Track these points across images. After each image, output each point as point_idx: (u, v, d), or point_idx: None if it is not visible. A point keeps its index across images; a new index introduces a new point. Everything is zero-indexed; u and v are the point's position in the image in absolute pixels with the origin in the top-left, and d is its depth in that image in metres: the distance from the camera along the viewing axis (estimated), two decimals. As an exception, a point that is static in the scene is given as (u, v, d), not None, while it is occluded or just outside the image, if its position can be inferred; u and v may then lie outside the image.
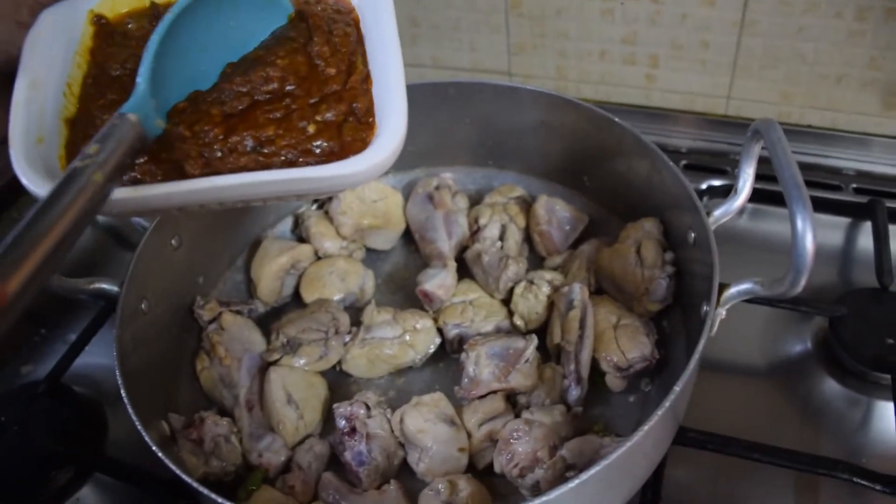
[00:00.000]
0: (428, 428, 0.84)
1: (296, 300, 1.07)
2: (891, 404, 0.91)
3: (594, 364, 0.90)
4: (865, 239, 1.10)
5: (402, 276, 1.11)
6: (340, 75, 0.70)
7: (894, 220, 1.10)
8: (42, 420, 0.99)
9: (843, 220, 1.15)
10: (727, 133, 1.28)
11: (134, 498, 0.92)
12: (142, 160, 0.65)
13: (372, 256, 1.12)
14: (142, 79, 0.64)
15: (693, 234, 0.88)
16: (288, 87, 0.69)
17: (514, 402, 0.90)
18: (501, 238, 1.05)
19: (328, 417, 0.92)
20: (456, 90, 1.07)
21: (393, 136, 0.64)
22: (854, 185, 1.18)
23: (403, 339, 0.96)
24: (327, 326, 0.96)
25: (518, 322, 0.97)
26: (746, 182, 0.84)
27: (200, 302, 1.01)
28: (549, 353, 0.94)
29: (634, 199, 1.01)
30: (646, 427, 0.68)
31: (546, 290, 0.96)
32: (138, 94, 0.63)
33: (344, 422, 0.85)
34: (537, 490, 0.79)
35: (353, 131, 0.67)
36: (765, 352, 0.99)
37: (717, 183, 1.20)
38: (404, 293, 1.07)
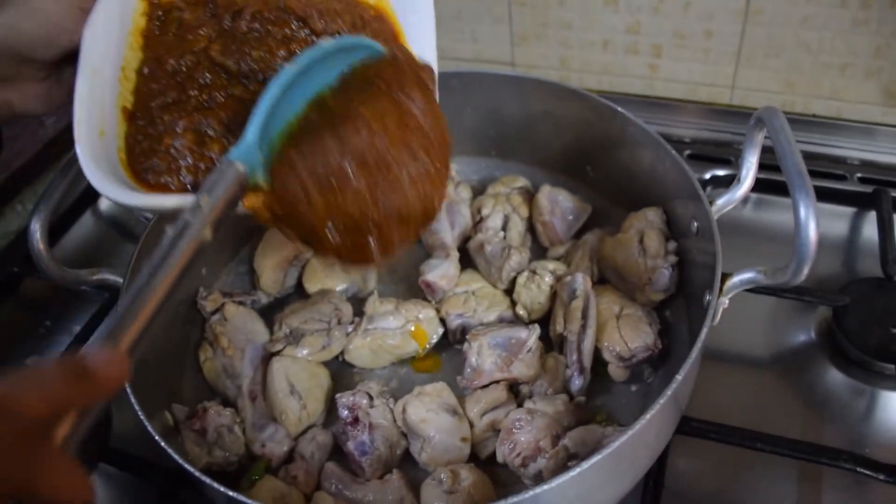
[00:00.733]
0: (430, 418, 0.84)
1: (299, 291, 1.07)
2: (894, 394, 0.91)
3: (597, 354, 0.90)
4: (870, 228, 1.09)
5: (404, 266, 1.10)
6: None
7: (899, 210, 1.09)
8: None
9: (848, 210, 1.14)
10: (731, 123, 1.27)
11: (138, 488, 0.92)
12: None
13: (375, 248, 1.12)
14: (252, 132, 0.63)
15: (696, 224, 0.88)
16: None
17: (516, 392, 0.90)
18: (504, 228, 1.05)
19: (331, 408, 0.92)
20: (458, 80, 1.07)
21: None
22: (859, 175, 1.18)
23: (406, 329, 0.96)
24: (330, 317, 0.96)
25: (521, 312, 0.97)
26: (749, 171, 0.83)
27: (204, 293, 1.01)
28: (551, 343, 0.94)
29: (637, 189, 1.01)
30: (648, 416, 0.68)
31: (549, 280, 0.96)
32: (247, 145, 0.62)
33: (346, 412, 0.85)
34: (539, 479, 0.79)
35: None
36: (768, 342, 0.99)
37: (721, 173, 1.19)
38: (407, 284, 1.07)
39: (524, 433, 0.81)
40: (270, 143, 0.65)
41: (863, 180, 1.17)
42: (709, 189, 1.19)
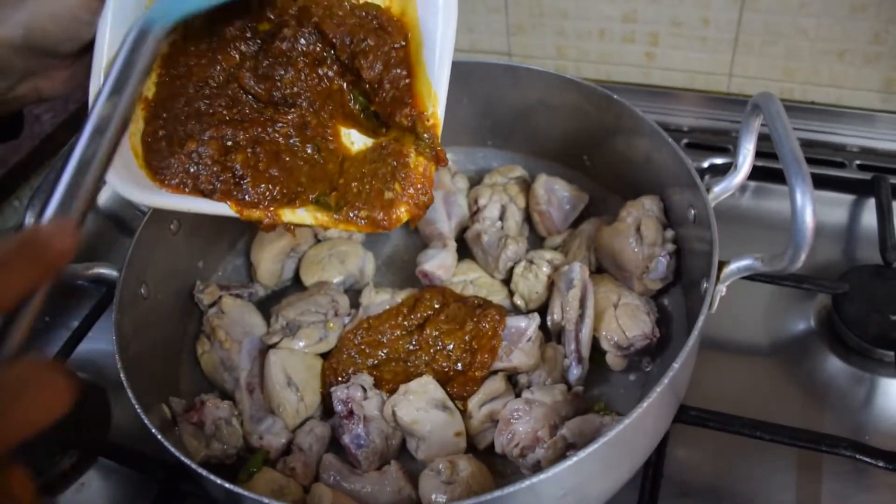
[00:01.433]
0: (421, 417, 0.83)
1: (296, 283, 1.07)
2: (894, 381, 0.90)
3: (595, 343, 0.89)
4: (869, 215, 1.09)
5: (402, 257, 1.11)
6: None
7: (898, 197, 1.09)
8: (45, 406, 0.99)
9: (847, 197, 1.14)
10: (729, 111, 1.27)
11: (137, 482, 0.92)
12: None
13: (371, 238, 1.12)
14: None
15: (693, 212, 0.88)
16: None
17: (514, 383, 0.90)
18: (501, 218, 1.05)
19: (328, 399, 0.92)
20: (455, 71, 1.05)
21: None
22: (858, 162, 1.17)
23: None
24: (326, 309, 0.96)
25: (518, 302, 0.97)
26: (746, 158, 0.83)
27: (200, 286, 1.01)
28: (548, 333, 0.94)
29: (634, 178, 1.00)
30: (645, 404, 0.67)
31: (546, 269, 0.96)
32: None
33: (341, 405, 0.85)
34: (538, 469, 0.78)
35: None
36: (768, 330, 0.98)
37: (718, 161, 1.19)
38: (404, 274, 1.07)
39: (522, 423, 0.80)
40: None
41: (862, 167, 1.17)
42: (706, 177, 1.18)
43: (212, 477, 0.69)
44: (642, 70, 1.30)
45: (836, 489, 0.82)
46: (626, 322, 0.88)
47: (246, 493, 0.67)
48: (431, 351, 0.89)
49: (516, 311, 0.98)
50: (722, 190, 0.84)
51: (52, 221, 0.51)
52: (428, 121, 0.71)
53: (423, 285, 1.01)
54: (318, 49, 0.73)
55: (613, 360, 0.89)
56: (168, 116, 0.72)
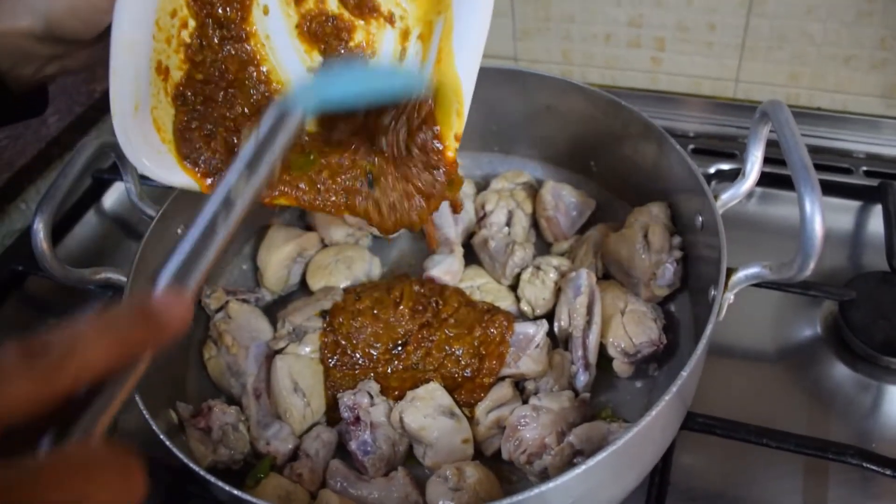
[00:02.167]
0: (428, 424, 0.83)
1: (303, 288, 1.07)
2: (901, 388, 0.90)
3: (602, 349, 0.89)
4: (876, 222, 1.09)
5: (408, 262, 1.10)
6: None
7: (905, 203, 1.08)
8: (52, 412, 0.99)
9: (854, 204, 1.14)
10: (735, 116, 1.27)
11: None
12: None
13: (378, 243, 1.12)
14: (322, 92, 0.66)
15: (701, 218, 0.88)
16: None
17: (521, 389, 0.90)
18: (508, 224, 1.05)
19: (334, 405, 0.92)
20: None
21: None
22: (864, 168, 1.17)
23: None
24: (333, 314, 0.96)
25: (525, 308, 0.97)
26: (754, 165, 0.83)
27: (207, 291, 1.01)
28: (555, 339, 0.94)
29: (641, 184, 1.00)
30: (653, 412, 0.67)
31: (553, 275, 0.96)
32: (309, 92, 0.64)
33: (348, 411, 0.85)
34: (545, 476, 0.79)
35: None
36: (774, 336, 0.98)
37: (725, 167, 1.19)
38: (411, 280, 1.07)
39: (529, 430, 0.80)
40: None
41: (868, 174, 1.16)
42: (713, 183, 1.18)
43: (219, 483, 0.69)
44: (649, 75, 1.30)
45: (843, 497, 0.82)
46: (633, 329, 0.88)
47: (253, 498, 0.67)
48: (440, 356, 0.89)
49: (523, 317, 0.97)
50: (730, 197, 0.84)
51: (168, 292, 0.49)
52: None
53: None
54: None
55: (620, 366, 0.89)
56: (203, 108, 0.74)
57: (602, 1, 1.23)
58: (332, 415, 0.90)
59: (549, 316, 0.95)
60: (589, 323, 0.88)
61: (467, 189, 1.10)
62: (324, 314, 0.95)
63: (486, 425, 0.85)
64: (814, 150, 1.19)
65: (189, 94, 0.75)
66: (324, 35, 0.76)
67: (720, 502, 0.83)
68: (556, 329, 0.93)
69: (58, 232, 1.22)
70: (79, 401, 0.42)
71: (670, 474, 0.83)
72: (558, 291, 0.95)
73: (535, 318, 0.95)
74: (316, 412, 0.90)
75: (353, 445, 0.85)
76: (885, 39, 1.13)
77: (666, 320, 0.92)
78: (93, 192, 1.32)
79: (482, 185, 1.13)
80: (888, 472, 0.79)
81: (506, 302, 0.98)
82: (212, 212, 0.53)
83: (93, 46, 0.72)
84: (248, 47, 0.77)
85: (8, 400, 0.38)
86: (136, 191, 0.99)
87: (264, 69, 0.78)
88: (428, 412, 0.84)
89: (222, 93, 0.77)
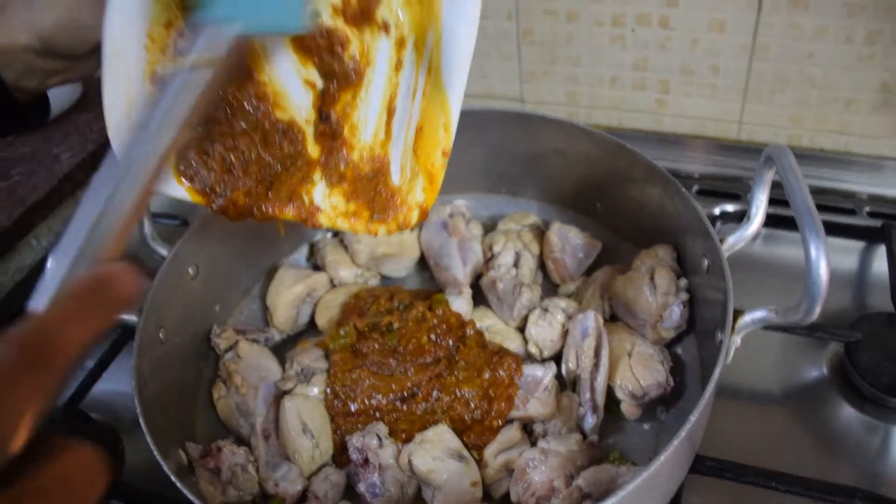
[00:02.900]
0: (437, 466, 0.83)
1: (312, 328, 1.07)
2: (908, 431, 0.90)
3: (609, 392, 0.90)
4: (880, 262, 1.09)
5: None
6: None
7: (909, 244, 1.09)
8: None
9: (857, 244, 1.14)
10: (739, 158, 1.28)
11: (151, 526, 0.92)
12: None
13: (387, 284, 1.13)
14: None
15: (707, 261, 0.89)
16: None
17: (529, 431, 0.91)
18: (516, 265, 1.06)
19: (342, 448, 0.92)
20: (469, 118, 1.06)
21: None
22: (868, 209, 1.18)
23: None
24: (342, 355, 0.96)
25: (533, 350, 0.97)
26: (759, 209, 0.84)
27: (217, 330, 1.02)
28: (563, 381, 0.94)
29: (647, 226, 1.01)
30: (662, 457, 0.67)
31: (560, 317, 0.96)
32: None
33: (357, 453, 0.86)
34: (554, 519, 0.79)
35: None
36: (780, 378, 0.99)
37: (730, 208, 1.20)
38: (419, 320, 1.08)
39: (538, 473, 0.80)
40: None
41: (872, 214, 1.17)
42: (718, 224, 1.19)
43: (230, 525, 0.69)
44: (653, 117, 1.32)
45: (852, 541, 0.82)
46: (641, 371, 0.89)
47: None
48: (449, 398, 0.89)
49: (531, 358, 0.98)
50: (736, 240, 0.85)
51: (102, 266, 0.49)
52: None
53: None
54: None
55: (628, 408, 0.90)
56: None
57: (608, 45, 1.25)
58: (340, 458, 0.90)
59: (557, 358, 0.96)
60: (597, 365, 0.89)
61: (475, 230, 1.11)
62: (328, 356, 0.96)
63: (495, 468, 0.85)
64: (817, 192, 1.21)
65: None
66: (318, 49, 0.77)
67: (729, 546, 0.83)
68: (563, 371, 0.93)
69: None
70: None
71: (679, 518, 0.83)
72: (566, 333, 0.95)
73: (543, 360, 0.96)
74: (325, 453, 0.90)
75: (361, 487, 0.85)
76: (886, 83, 1.15)
77: (673, 362, 0.92)
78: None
79: (489, 227, 1.14)
80: (897, 516, 0.79)
81: (513, 343, 0.98)
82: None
83: (89, 59, 0.73)
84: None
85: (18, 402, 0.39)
86: (149, 230, 1.01)
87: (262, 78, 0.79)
88: (437, 454, 0.84)
89: (222, 112, 0.78)
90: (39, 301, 0.49)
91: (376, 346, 0.93)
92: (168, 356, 0.93)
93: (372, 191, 0.79)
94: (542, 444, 0.85)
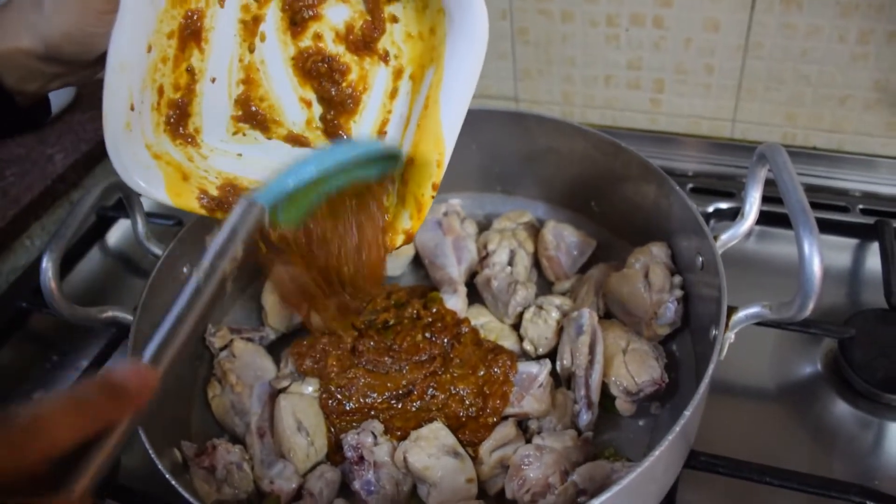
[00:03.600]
0: (432, 463, 0.83)
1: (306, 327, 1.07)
2: (902, 426, 0.91)
3: (604, 388, 0.90)
4: (873, 260, 1.10)
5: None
6: None
7: (902, 241, 1.10)
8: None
9: (851, 242, 1.15)
10: (733, 156, 1.28)
11: (146, 525, 0.92)
12: None
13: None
14: (281, 187, 0.67)
15: (701, 258, 0.89)
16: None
17: (524, 428, 0.91)
18: (510, 263, 1.06)
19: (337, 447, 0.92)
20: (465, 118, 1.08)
21: None
22: (861, 206, 1.19)
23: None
24: (336, 353, 0.97)
25: (528, 347, 0.98)
26: (753, 206, 0.85)
27: (212, 329, 1.01)
28: (558, 378, 0.94)
29: (642, 224, 1.01)
30: (657, 452, 0.68)
31: (555, 315, 0.97)
32: (272, 193, 0.66)
33: (352, 451, 0.86)
34: (549, 516, 0.79)
35: None
36: (774, 374, 0.99)
37: (723, 206, 1.20)
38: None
39: (533, 469, 0.81)
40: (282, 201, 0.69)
41: (865, 212, 1.18)
42: (712, 222, 1.19)
43: (225, 523, 0.69)
44: (647, 116, 1.33)
45: (847, 536, 0.82)
46: (635, 368, 0.89)
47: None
48: (444, 396, 0.89)
49: (525, 356, 0.98)
50: (729, 237, 0.86)
51: (139, 367, 0.53)
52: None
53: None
54: None
55: (623, 405, 0.90)
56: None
57: (602, 44, 1.26)
58: (335, 456, 0.90)
59: (552, 355, 0.96)
60: (591, 362, 0.89)
61: (470, 229, 1.11)
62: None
63: (490, 465, 0.85)
64: (810, 189, 1.21)
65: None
66: (318, 75, 0.78)
67: (724, 541, 0.84)
68: (558, 368, 0.94)
69: (62, 269, 1.23)
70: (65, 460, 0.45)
71: (674, 513, 0.84)
72: (560, 331, 0.96)
73: (538, 358, 0.96)
74: (319, 451, 0.90)
75: (356, 485, 0.85)
76: (879, 81, 1.15)
77: (667, 359, 0.93)
78: (97, 230, 1.33)
79: (485, 225, 1.15)
80: (891, 511, 0.79)
81: (508, 341, 0.98)
82: (187, 297, 0.58)
83: (94, 66, 0.72)
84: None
85: None
86: (143, 230, 1.01)
87: (259, 93, 0.80)
88: (432, 452, 0.84)
89: None
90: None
91: (372, 343, 0.93)
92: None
93: None
94: (537, 440, 0.85)
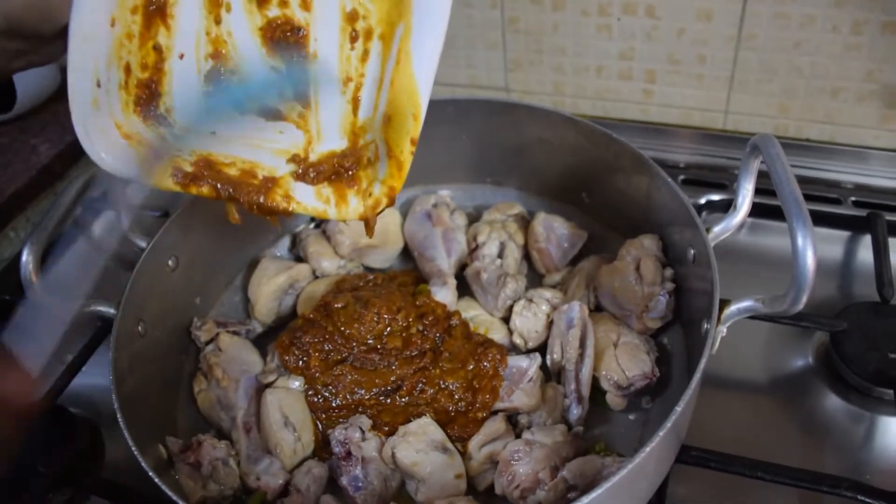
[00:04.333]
0: (421, 459, 0.83)
1: (293, 319, 1.06)
2: (894, 419, 0.90)
3: (594, 382, 0.89)
4: (865, 252, 1.09)
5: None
6: None
7: (894, 233, 1.09)
8: (38, 442, 0.98)
9: (843, 234, 1.14)
10: (725, 147, 1.28)
11: (131, 521, 0.91)
12: None
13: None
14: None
15: (693, 251, 0.88)
16: None
17: (514, 423, 0.90)
18: (500, 255, 1.05)
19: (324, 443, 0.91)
20: (454, 108, 1.07)
21: None
22: (853, 199, 1.18)
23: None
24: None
25: (517, 340, 0.97)
26: (746, 198, 0.83)
27: (198, 323, 1.00)
28: (548, 372, 0.94)
29: (633, 216, 1.00)
30: (648, 448, 0.67)
31: (545, 308, 0.96)
32: None
33: (339, 446, 0.85)
34: (539, 511, 0.78)
35: None
36: (766, 368, 0.98)
37: (715, 197, 1.19)
38: (403, 311, 1.07)
39: (523, 465, 0.80)
40: None
41: (857, 204, 1.17)
42: (704, 214, 1.19)
43: (209, 520, 0.68)
44: (639, 106, 1.32)
45: (839, 530, 0.82)
46: (626, 361, 0.88)
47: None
48: (433, 390, 0.88)
49: (515, 349, 0.97)
50: (722, 230, 0.85)
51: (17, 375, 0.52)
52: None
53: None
54: None
55: (613, 399, 0.89)
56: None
57: (594, 34, 1.24)
58: (322, 452, 0.89)
59: (542, 349, 0.95)
60: (582, 356, 0.88)
61: (459, 221, 1.10)
62: None
63: (479, 460, 0.85)
64: (803, 181, 1.19)
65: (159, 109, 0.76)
66: (287, 45, 0.76)
67: (715, 536, 0.83)
68: (548, 362, 0.93)
69: (47, 261, 1.22)
70: None
71: (665, 508, 0.83)
72: (551, 324, 0.95)
73: (528, 351, 0.95)
74: (307, 447, 0.89)
75: (344, 481, 0.84)
76: (872, 72, 1.15)
77: (658, 352, 0.92)
78: (82, 222, 1.31)
79: (474, 217, 1.13)
80: (883, 505, 0.79)
81: (498, 334, 0.98)
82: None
83: (56, 42, 0.71)
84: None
85: None
86: (127, 222, 0.99)
87: (229, 66, 0.78)
88: (420, 447, 0.83)
89: None
90: None
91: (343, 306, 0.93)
92: (148, 350, 0.91)
93: (343, 177, 0.78)
94: (526, 435, 0.84)
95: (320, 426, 0.90)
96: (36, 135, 1.38)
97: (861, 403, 0.93)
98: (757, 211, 1.02)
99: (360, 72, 0.76)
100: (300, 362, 0.92)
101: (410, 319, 0.93)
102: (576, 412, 0.87)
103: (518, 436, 0.87)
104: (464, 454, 0.86)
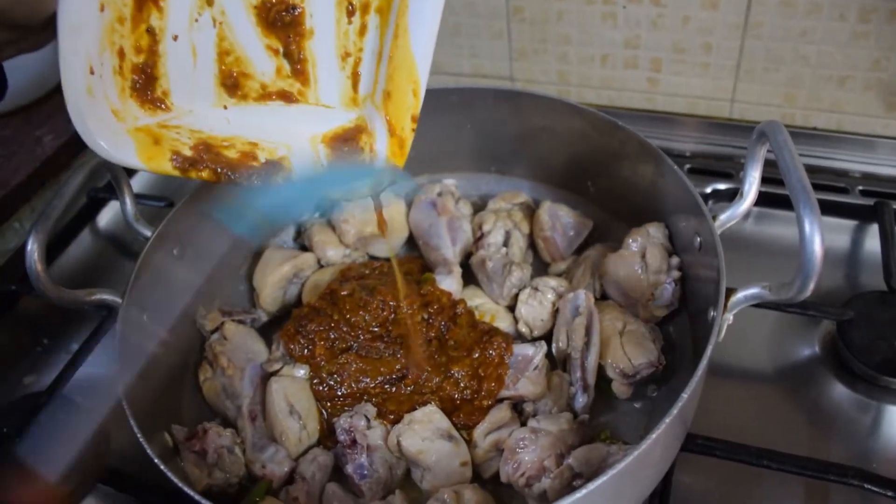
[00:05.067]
0: (427, 447, 0.83)
1: (299, 308, 1.06)
2: (901, 409, 0.90)
3: (600, 371, 0.89)
4: (872, 241, 1.09)
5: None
6: None
7: (901, 222, 1.09)
8: (44, 431, 0.98)
9: (850, 223, 1.14)
10: (731, 136, 1.27)
11: (138, 509, 0.91)
12: None
13: (374, 262, 1.12)
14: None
15: (699, 239, 0.88)
16: None
17: (520, 411, 0.90)
18: (506, 244, 1.05)
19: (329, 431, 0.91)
20: (458, 97, 1.06)
21: None
22: (860, 188, 1.17)
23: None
24: (329, 335, 0.95)
25: (523, 329, 0.97)
26: (752, 185, 0.83)
27: (203, 311, 1.00)
28: (553, 360, 0.93)
29: (639, 204, 1.00)
30: (654, 435, 0.67)
31: (551, 296, 0.95)
32: None
33: (344, 434, 0.85)
34: (544, 499, 0.78)
35: None
36: (772, 356, 0.98)
37: (722, 186, 1.19)
38: (409, 300, 1.07)
39: (528, 452, 0.80)
40: None
41: (864, 193, 1.17)
42: (710, 203, 1.18)
43: (214, 507, 0.68)
44: (645, 95, 1.31)
45: (844, 518, 0.82)
46: (632, 350, 0.88)
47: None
48: (439, 378, 0.88)
49: (521, 338, 0.97)
50: (728, 218, 0.84)
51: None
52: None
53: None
54: None
55: (619, 387, 0.89)
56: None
57: (599, 22, 1.24)
58: (328, 441, 0.89)
59: (547, 337, 0.95)
60: (587, 344, 0.88)
61: (465, 209, 1.10)
62: None
63: (485, 448, 0.85)
64: (810, 170, 1.18)
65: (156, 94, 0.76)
66: (283, 25, 0.76)
67: (721, 524, 0.83)
68: (554, 350, 0.93)
69: (52, 251, 1.22)
70: None
71: (670, 496, 0.83)
72: (556, 312, 0.95)
73: (533, 340, 0.95)
74: (312, 435, 0.89)
75: (349, 469, 0.84)
76: (879, 61, 1.14)
77: (664, 341, 0.92)
78: (87, 211, 1.32)
79: (479, 206, 1.13)
80: (889, 494, 0.78)
81: (504, 322, 0.97)
82: None
83: (45, 31, 0.70)
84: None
85: None
86: (132, 211, 0.99)
87: (224, 46, 0.78)
88: (426, 435, 0.83)
89: None
90: None
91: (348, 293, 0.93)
92: (152, 338, 0.91)
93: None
94: (532, 423, 0.84)
95: (325, 414, 0.90)
96: (40, 126, 1.38)
97: (867, 393, 0.93)
98: (763, 200, 1.02)
99: (358, 46, 0.75)
100: (305, 351, 0.92)
101: (415, 307, 0.93)
102: (581, 400, 0.87)
103: (523, 424, 0.87)
104: (469, 442, 0.86)
